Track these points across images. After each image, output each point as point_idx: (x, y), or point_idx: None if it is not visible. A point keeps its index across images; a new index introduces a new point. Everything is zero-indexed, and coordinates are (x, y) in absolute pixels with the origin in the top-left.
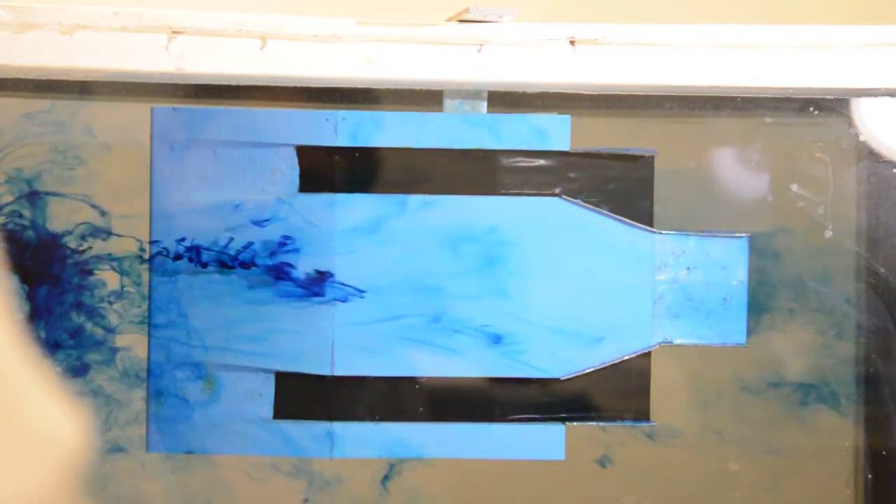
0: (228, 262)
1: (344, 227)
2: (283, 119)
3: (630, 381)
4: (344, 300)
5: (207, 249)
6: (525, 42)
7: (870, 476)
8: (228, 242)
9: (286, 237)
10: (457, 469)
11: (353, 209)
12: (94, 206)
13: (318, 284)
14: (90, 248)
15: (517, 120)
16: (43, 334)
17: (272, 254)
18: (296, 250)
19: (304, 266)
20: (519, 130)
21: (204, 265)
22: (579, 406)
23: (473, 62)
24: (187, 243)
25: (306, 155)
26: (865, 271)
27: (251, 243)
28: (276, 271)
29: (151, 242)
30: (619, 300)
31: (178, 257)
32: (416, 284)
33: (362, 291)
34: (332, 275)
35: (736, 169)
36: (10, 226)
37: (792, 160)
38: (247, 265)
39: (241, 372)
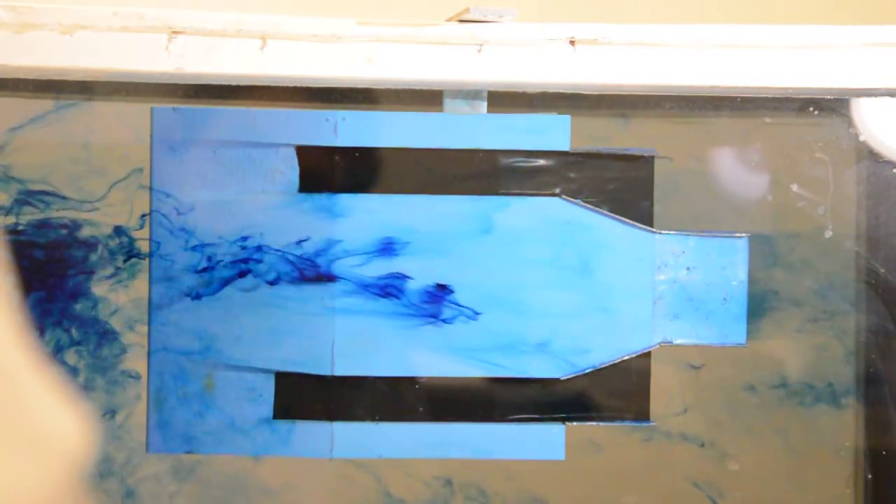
0: (233, 262)
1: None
2: (283, 119)
3: (630, 381)
4: (450, 321)
5: (214, 250)
6: (525, 42)
7: (870, 476)
8: (237, 245)
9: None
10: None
11: (354, 211)
12: (92, 205)
13: (434, 303)
14: (89, 246)
15: (517, 120)
16: (43, 334)
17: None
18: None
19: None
20: (519, 130)
21: (205, 264)
22: (579, 406)
23: (473, 62)
24: (192, 244)
25: (306, 155)
26: (865, 271)
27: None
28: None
29: (151, 242)
30: (619, 300)
31: (179, 256)
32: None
33: (478, 313)
34: (451, 291)
35: (736, 169)
36: (10, 227)
37: (792, 160)
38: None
39: (241, 372)
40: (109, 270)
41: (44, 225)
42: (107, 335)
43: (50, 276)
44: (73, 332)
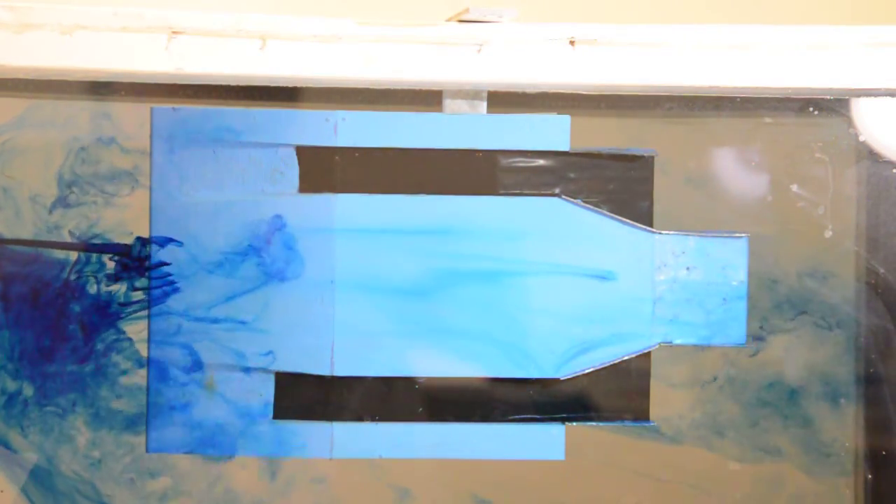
0: (233, 263)
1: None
2: (283, 119)
3: (630, 381)
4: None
5: (210, 249)
6: (525, 42)
7: (870, 476)
8: (232, 242)
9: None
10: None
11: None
12: (92, 204)
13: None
14: (90, 246)
15: (517, 120)
16: (43, 335)
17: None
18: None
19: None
20: (519, 130)
21: (205, 265)
22: (579, 406)
23: (473, 62)
24: (192, 244)
25: (306, 155)
26: (865, 271)
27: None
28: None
29: (151, 241)
30: (619, 300)
31: (179, 257)
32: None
33: (477, 312)
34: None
35: (736, 169)
36: (7, 225)
37: (792, 160)
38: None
39: (241, 372)
40: (108, 268)
41: (39, 222)
42: (107, 335)
43: (47, 275)
44: (72, 331)
